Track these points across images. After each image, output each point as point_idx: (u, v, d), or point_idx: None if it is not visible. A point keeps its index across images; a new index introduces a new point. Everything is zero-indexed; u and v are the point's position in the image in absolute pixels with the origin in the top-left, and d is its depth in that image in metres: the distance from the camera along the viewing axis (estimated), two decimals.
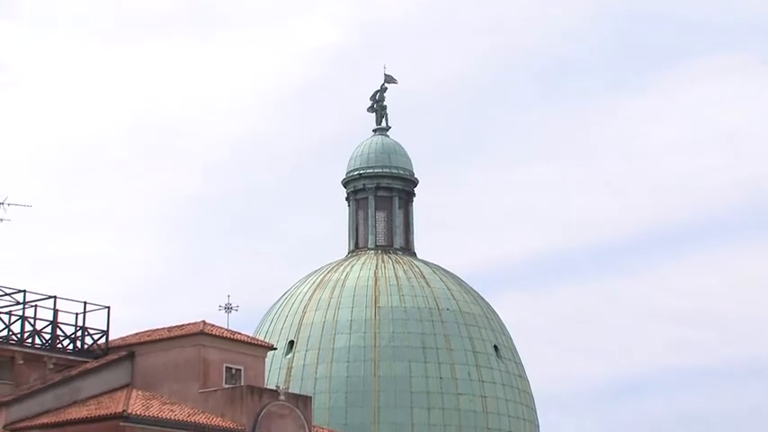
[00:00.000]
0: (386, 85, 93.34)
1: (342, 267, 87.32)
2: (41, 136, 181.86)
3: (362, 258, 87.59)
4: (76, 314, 56.87)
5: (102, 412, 50.17)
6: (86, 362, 55.46)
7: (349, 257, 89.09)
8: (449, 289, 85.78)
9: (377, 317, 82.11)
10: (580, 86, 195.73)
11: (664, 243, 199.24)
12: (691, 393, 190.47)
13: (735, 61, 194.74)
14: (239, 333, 60.30)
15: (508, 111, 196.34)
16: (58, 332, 55.83)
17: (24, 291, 55.12)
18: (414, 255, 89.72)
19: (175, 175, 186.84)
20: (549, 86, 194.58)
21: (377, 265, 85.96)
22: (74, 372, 54.43)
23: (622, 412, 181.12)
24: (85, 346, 56.67)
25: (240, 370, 56.53)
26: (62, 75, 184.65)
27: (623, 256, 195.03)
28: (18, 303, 54.84)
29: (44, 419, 50.80)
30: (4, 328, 53.68)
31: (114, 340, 58.07)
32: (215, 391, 54.32)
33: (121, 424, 48.28)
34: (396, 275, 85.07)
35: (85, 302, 57.22)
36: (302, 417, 55.29)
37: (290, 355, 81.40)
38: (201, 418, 51.87)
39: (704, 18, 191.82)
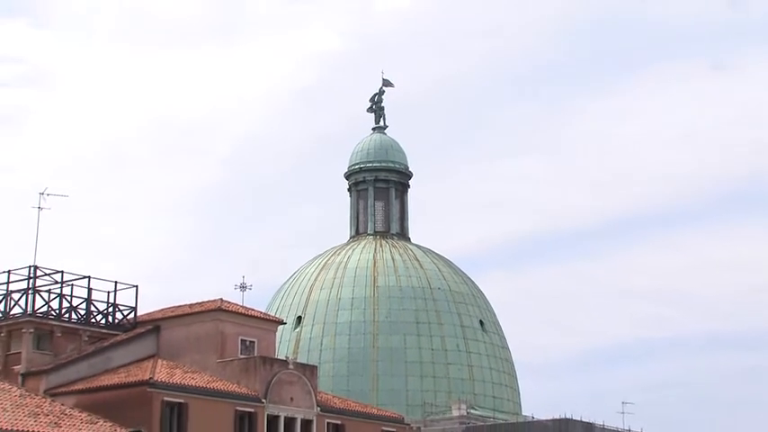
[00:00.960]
0: (383, 88, 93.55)
1: (344, 251, 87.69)
2: (76, 135, 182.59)
3: (362, 243, 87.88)
4: (108, 292, 57.35)
5: (132, 379, 50.64)
6: (117, 335, 55.90)
7: (350, 242, 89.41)
8: (440, 270, 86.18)
9: (375, 295, 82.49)
10: (555, 89, 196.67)
11: (631, 228, 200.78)
12: (657, 363, 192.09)
13: (689, 67, 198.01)
14: (253, 309, 60.72)
15: (493, 110, 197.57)
16: (92, 308, 56.26)
17: (62, 272, 55.54)
18: (408, 239, 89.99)
19: (195, 168, 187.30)
20: (529, 89, 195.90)
21: (375, 249, 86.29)
22: (106, 343, 54.84)
23: (595, 380, 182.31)
24: (116, 321, 57.09)
25: (254, 342, 56.96)
26: (94, 81, 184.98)
27: (595, 239, 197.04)
28: (56, 283, 55.21)
29: (80, 386, 51.28)
30: (44, 305, 54.25)
31: (141, 315, 58.44)
32: (231, 360, 54.78)
33: (148, 390, 48.77)
34: (392, 258, 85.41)
35: (116, 282, 57.75)
36: (309, 383, 55.63)
37: (298, 329, 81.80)
38: (219, 385, 52.28)
39: (663, 29, 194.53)
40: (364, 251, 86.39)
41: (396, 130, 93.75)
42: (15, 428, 41.82)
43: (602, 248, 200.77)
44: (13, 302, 54.19)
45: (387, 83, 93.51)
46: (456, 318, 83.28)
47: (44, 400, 47.01)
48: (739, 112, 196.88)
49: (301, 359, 67.36)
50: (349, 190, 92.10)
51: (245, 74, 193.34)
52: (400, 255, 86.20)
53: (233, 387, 52.77)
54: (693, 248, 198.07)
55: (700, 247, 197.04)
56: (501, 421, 75.45)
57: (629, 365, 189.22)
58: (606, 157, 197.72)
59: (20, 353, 52.49)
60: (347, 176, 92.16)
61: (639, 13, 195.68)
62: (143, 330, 56.67)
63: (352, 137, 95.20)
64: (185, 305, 58.75)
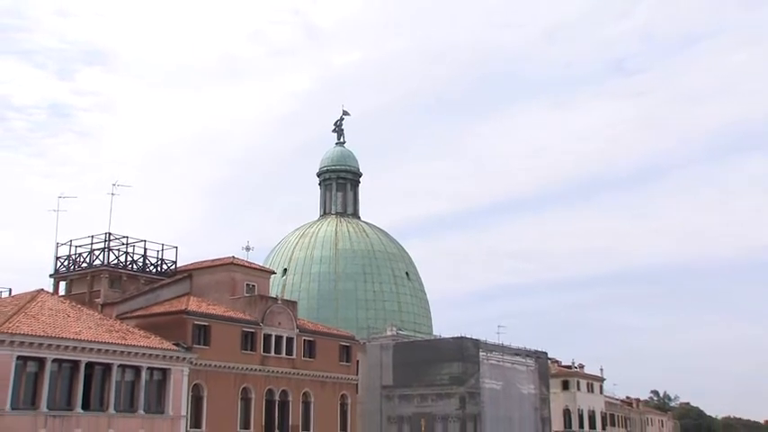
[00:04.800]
0: (343, 116, 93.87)
1: (316, 225, 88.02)
2: (135, 144, 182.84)
3: (328, 220, 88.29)
4: (157, 251, 57.67)
5: (173, 309, 51.28)
6: (163, 279, 56.13)
7: (320, 219, 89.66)
8: (379, 238, 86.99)
9: (336, 255, 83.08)
10: (459, 116, 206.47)
11: (505, 210, 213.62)
12: (520, 299, 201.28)
13: (540, 104, 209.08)
14: (254, 263, 61.49)
15: (418, 130, 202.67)
16: (147, 261, 56.50)
17: (127, 237, 55.87)
18: (359, 218, 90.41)
19: (213, 167, 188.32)
20: (440, 115, 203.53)
21: (337, 224, 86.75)
22: (156, 285, 55.16)
23: (480, 311, 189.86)
24: (163, 270, 57.25)
25: (255, 285, 57.45)
26: (146, 108, 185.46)
27: (482, 217, 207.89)
28: (123, 244, 55.43)
29: (139, 313, 51.89)
30: (115, 259, 54.51)
31: (180, 267, 58.57)
32: (239, 298, 55.36)
33: (184, 316, 49.47)
34: (348, 230, 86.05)
35: (163, 244, 58.14)
36: (291, 313, 56.31)
37: (284, 277, 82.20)
38: (231, 314, 52.93)
39: (524, 79, 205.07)
40: (329, 225, 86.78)
41: (351, 144, 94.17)
42: (97, 339, 42.75)
43: (487, 223, 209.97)
44: (94, 257, 54.39)
45: (345, 112, 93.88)
46: (390, 270, 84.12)
47: (115, 321, 47.77)
48: (572, 134, 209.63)
49: (287, 297, 67.50)
50: (319, 184, 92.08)
51: (245, 103, 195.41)
52: (353, 228, 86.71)
53: (240, 315, 53.25)
54: (543, 223, 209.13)
55: (547, 223, 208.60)
56: (419, 338, 76.85)
57: (502, 301, 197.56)
58: (492, 162, 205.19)
59: (99, 290, 52.85)
60: (318, 175, 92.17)
61: (510, 68, 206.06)
62: (180, 277, 56.90)
63: (321, 148, 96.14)
64: (208, 260, 58.98)
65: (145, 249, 56.28)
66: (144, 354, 44.57)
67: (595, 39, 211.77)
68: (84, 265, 54.52)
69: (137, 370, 44.34)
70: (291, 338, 55.58)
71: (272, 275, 64.41)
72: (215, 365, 49.91)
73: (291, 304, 57.74)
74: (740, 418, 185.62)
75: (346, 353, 60.63)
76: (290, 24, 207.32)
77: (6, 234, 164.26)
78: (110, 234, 54.56)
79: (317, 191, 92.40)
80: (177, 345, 47.18)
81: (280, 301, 56.74)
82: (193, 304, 51.88)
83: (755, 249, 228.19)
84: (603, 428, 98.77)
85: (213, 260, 58.60)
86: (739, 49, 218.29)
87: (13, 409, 38.46)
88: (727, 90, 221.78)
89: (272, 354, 54.09)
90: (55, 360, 40.45)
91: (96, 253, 54.35)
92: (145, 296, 53.73)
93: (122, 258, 54.83)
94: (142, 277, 55.16)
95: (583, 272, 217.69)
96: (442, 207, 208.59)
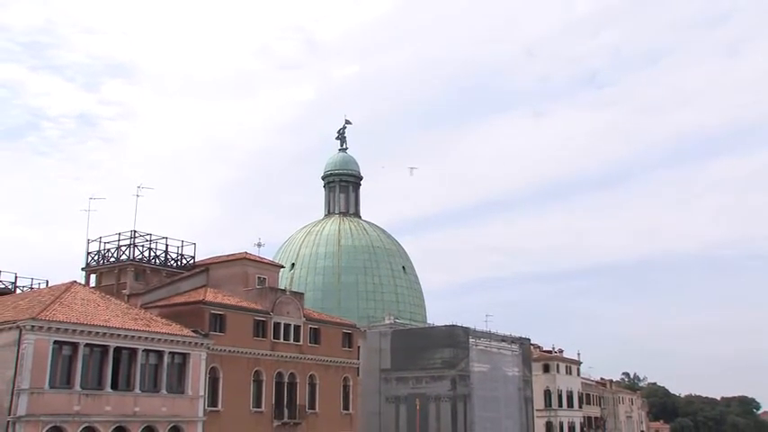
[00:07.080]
0: (345, 124, 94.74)
1: (320, 223, 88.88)
2: (156, 149, 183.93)
3: (332, 219, 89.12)
4: (177, 246, 57.54)
5: (192, 299, 51.32)
6: (183, 273, 56.06)
7: (324, 218, 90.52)
8: (378, 236, 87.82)
9: (339, 251, 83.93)
10: (444, 126, 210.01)
11: (487, 210, 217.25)
12: (504, 290, 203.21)
13: (521, 113, 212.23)
14: (265, 258, 61.48)
15: (407, 139, 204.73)
16: (168, 256, 56.32)
17: (150, 234, 55.66)
18: (360, 217, 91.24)
19: (225, 170, 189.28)
20: (431, 123, 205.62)
21: (339, 223, 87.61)
22: (176, 278, 55.15)
23: (469, 301, 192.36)
24: (182, 264, 57.06)
25: (265, 278, 57.48)
26: (163, 116, 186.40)
27: (467, 216, 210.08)
28: (147, 240, 55.36)
29: (161, 303, 51.92)
30: (140, 254, 54.54)
31: (198, 261, 58.37)
32: (251, 289, 55.42)
33: (202, 306, 49.65)
34: (350, 228, 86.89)
35: (182, 240, 57.97)
36: (298, 304, 56.44)
37: (292, 271, 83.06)
38: (244, 303, 53.05)
39: (504, 90, 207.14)
40: (333, 224, 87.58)
41: (353, 150, 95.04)
42: (124, 326, 43.03)
43: (474, 222, 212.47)
44: (121, 252, 54.34)
45: (347, 121, 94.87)
46: (388, 264, 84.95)
47: (140, 310, 47.89)
48: (549, 141, 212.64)
49: (294, 289, 67.80)
50: (324, 186, 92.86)
51: (255, 112, 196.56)
52: (355, 226, 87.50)
53: (253, 305, 53.29)
54: (522, 222, 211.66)
55: (526, 222, 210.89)
56: (414, 326, 77.56)
57: (489, 292, 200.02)
58: (477, 166, 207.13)
59: (125, 282, 52.89)
60: (323, 178, 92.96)
61: (494, 81, 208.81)
62: (198, 270, 56.75)
63: (325, 154, 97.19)
64: (223, 255, 58.87)
65: (166, 245, 56.32)
66: (166, 340, 44.88)
67: (570, 55, 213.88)
68: (113, 259, 54.62)
69: (159, 354, 44.62)
70: (299, 326, 55.69)
71: (281, 269, 64.51)
72: (230, 350, 50.17)
73: (299, 295, 57.84)
74: (699, 396, 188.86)
75: (348, 339, 60.74)
76: (295, 40, 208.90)
77: (42, 231, 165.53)
78: (135, 232, 54.70)
79: (322, 192, 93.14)
80: (196, 332, 47.43)
81: (288, 293, 56.86)
82: (210, 295, 51.96)
83: (712, 246, 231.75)
84: (580, 407, 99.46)
85: (228, 255, 58.53)
86: (698, 65, 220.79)
87: (51, 387, 38.99)
88: (687, 101, 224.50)
89: (282, 340, 54.25)
90: (87, 345, 40.85)
91: (123, 249, 54.44)
92: (166, 288, 53.81)
93: (146, 254, 54.89)
94: (164, 270, 55.20)
95: (561, 265, 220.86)
96: (435, 207, 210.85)
